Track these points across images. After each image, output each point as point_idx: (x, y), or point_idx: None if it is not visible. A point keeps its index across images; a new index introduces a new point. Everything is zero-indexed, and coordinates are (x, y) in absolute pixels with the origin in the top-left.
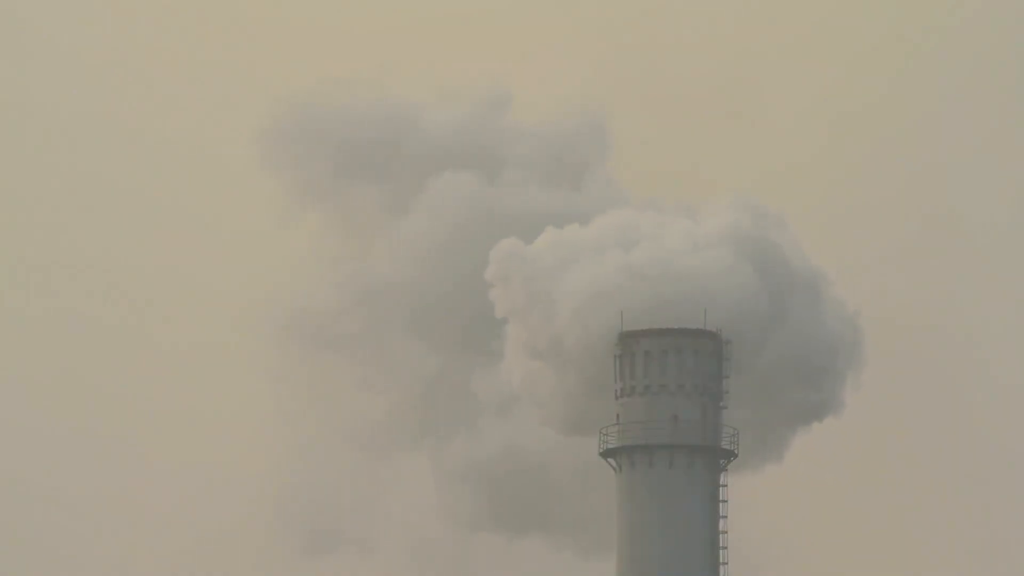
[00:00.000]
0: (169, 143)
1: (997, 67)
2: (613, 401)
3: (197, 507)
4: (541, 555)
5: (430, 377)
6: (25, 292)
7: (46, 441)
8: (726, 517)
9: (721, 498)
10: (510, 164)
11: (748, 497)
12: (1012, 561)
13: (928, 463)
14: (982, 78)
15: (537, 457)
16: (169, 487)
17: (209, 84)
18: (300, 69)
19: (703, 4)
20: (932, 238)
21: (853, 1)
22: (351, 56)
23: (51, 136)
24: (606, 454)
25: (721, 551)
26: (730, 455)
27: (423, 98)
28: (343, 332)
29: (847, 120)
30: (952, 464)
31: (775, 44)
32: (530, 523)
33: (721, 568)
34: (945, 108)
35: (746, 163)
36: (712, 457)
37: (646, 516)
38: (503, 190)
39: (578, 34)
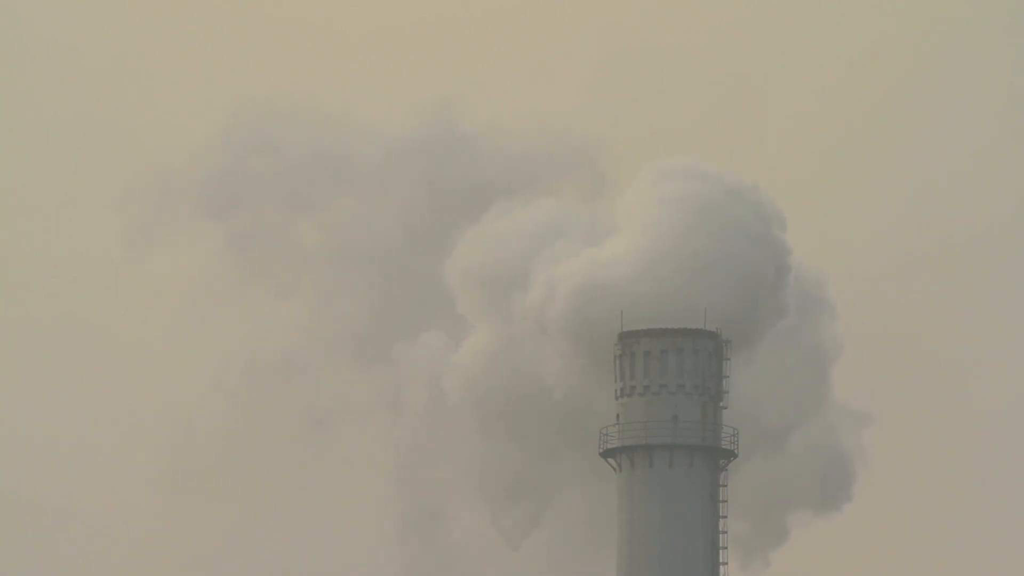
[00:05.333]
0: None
1: (1000, 69)
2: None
3: None
4: None
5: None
6: None
7: None
8: (726, 517)
9: (721, 498)
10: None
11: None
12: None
13: (926, 461)
14: (985, 80)
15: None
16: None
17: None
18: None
19: (703, 5)
20: (935, 243)
21: (855, 2)
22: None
23: None
24: (606, 454)
25: (721, 551)
26: (730, 455)
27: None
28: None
29: (848, 124)
30: (951, 462)
31: (775, 46)
32: None
33: (721, 568)
34: (948, 111)
35: (746, 166)
36: (712, 457)
37: (646, 516)
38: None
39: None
